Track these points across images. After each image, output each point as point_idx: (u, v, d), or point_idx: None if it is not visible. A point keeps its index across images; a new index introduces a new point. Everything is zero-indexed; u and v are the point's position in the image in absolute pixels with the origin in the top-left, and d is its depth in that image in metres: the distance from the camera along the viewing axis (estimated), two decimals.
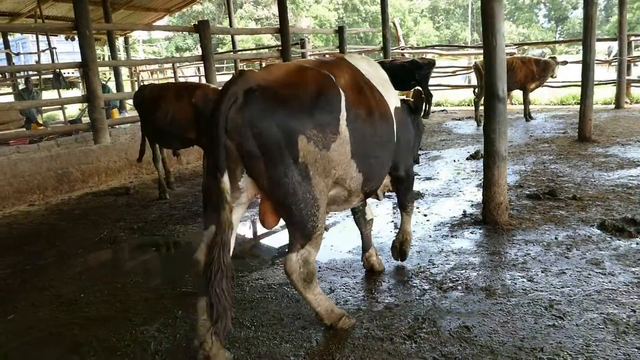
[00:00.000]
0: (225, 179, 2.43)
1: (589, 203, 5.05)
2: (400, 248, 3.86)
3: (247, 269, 4.08)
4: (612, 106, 12.59)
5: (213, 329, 2.49)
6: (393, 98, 3.32)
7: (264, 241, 5.01)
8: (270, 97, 2.51)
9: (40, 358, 3.02)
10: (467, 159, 7.65)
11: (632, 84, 13.57)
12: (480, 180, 6.22)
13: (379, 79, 3.27)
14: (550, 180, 6.06)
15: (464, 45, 27.96)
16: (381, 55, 15.19)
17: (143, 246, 4.96)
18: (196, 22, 9.56)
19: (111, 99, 13.22)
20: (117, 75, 17.04)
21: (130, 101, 18.04)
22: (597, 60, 14.38)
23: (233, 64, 20.89)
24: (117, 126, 10.25)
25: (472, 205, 5.31)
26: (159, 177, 6.66)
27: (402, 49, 16.99)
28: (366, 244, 3.78)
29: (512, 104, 14.84)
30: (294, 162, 2.55)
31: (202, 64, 10.10)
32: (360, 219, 3.76)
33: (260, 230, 5.28)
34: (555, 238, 4.19)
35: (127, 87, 22.03)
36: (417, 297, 3.35)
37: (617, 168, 6.44)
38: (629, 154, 7.19)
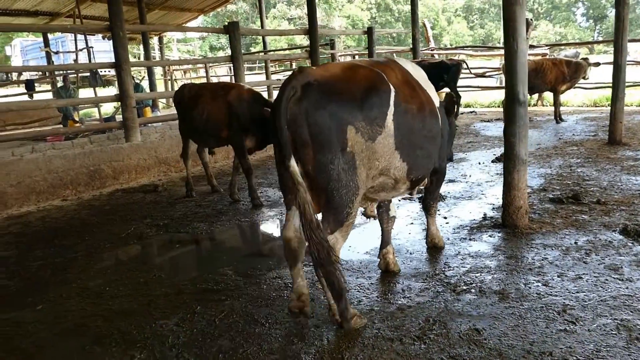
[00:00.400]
0: (293, 162, 2.69)
1: (613, 207, 4.97)
2: (433, 249, 4.25)
3: (265, 267, 4.18)
4: None
5: (328, 297, 2.94)
6: (435, 97, 3.57)
7: None
8: (326, 90, 2.77)
9: (65, 348, 3.18)
10: (493, 161, 7.59)
11: None
12: (501, 181, 6.20)
13: (423, 80, 3.53)
14: (576, 184, 5.98)
15: (496, 46, 27.49)
16: (410, 55, 15.14)
17: (167, 243, 5.13)
18: (227, 23, 9.74)
19: (144, 98, 13.56)
20: (151, 74, 17.46)
21: (164, 100, 18.44)
22: (631, 61, 14.05)
23: (264, 64, 21.10)
24: (148, 125, 10.53)
25: (494, 208, 5.29)
26: (187, 175, 6.84)
27: (431, 50, 16.89)
28: (385, 240, 3.86)
29: (543, 105, 14.60)
30: (342, 150, 2.78)
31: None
32: (384, 214, 3.85)
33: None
34: (575, 243, 4.15)
35: (160, 86, 22.54)
36: (430, 299, 3.38)
37: None
38: None
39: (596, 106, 14.09)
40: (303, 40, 47.16)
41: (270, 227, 5.50)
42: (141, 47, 20.74)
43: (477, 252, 4.13)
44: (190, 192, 6.77)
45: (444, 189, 6.15)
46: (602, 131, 9.48)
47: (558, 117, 11.17)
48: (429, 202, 4.15)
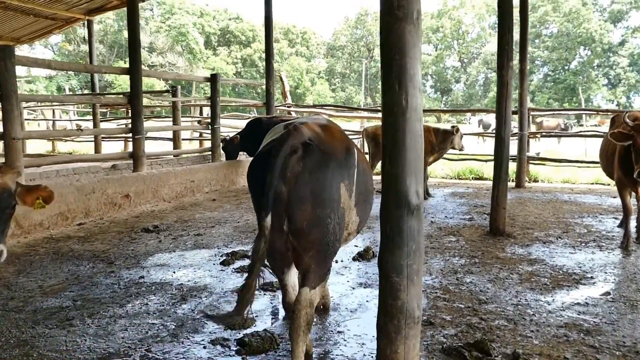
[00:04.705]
0: (269, 218, 2.62)
1: None
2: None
3: None
4: (512, 184, 11.36)
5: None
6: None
7: None
8: (323, 151, 2.85)
9: None
10: (355, 259, 5.55)
11: (530, 162, 12.56)
12: (375, 303, 4.14)
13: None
14: (471, 310, 4.07)
15: (354, 107, 27.03)
16: (264, 111, 13.17)
17: None
18: None
19: None
20: None
21: None
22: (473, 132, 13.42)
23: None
24: None
25: None
26: None
27: (288, 106, 15.08)
28: None
29: None
30: (337, 206, 2.82)
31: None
32: None
33: None
34: None
35: None
36: None
37: (554, 285, 4.66)
38: (558, 259, 5.51)
39: (460, 179, 13.13)
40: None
41: None
42: None
43: None
44: None
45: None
46: (476, 213, 8.07)
47: (425, 192, 9.72)
48: None
